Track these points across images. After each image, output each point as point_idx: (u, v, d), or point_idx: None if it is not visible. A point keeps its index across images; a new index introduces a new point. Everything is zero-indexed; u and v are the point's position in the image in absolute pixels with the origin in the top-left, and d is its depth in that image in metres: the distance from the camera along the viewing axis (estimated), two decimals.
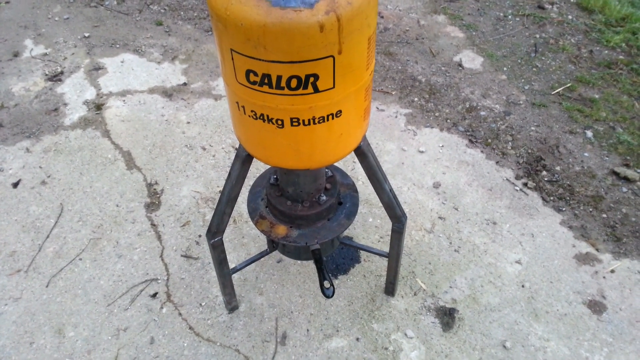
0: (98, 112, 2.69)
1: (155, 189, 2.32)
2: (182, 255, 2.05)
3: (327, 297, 1.50)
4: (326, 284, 1.51)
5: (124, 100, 2.76)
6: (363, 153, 1.40)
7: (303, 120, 1.12)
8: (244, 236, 2.12)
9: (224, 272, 1.70)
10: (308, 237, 1.55)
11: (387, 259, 1.77)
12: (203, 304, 1.89)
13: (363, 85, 1.15)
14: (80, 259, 2.04)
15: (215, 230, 1.55)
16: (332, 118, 1.15)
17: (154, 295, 1.92)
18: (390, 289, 1.88)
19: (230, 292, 1.79)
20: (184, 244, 2.09)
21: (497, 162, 2.50)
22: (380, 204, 2.10)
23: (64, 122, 2.63)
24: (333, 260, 2.03)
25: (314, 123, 1.13)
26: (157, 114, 2.70)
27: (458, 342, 1.79)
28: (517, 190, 2.36)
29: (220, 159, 2.46)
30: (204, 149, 2.51)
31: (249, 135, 1.26)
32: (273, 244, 1.79)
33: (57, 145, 2.51)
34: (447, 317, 1.85)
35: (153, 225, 2.17)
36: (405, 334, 1.80)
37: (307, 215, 1.54)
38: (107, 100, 2.76)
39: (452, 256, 2.05)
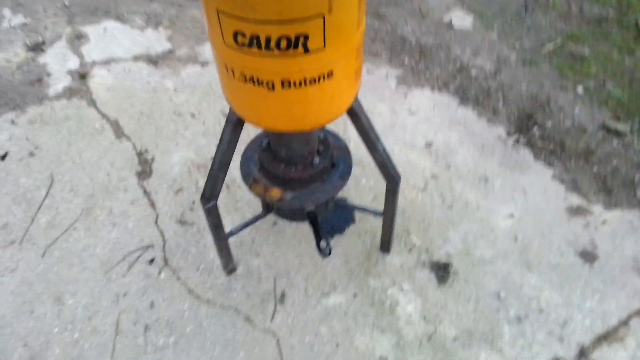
0: (82, 81, 2.64)
1: (145, 157, 2.30)
2: (177, 222, 2.05)
3: (325, 256, 1.51)
4: (322, 243, 1.52)
5: (108, 69, 2.70)
6: (355, 114, 1.39)
7: (294, 82, 1.10)
8: (237, 201, 2.12)
9: (220, 237, 1.70)
10: (302, 200, 1.55)
11: (381, 217, 1.78)
12: (201, 267, 1.90)
13: (354, 44, 1.13)
14: (74, 229, 2.03)
15: (209, 196, 1.54)
16: (324, 79, 1.13)
17: (151, 261, 1.92)
18: (385, 247, 1.90)
19: (227, 255, 1.80)
20: (178, 210, 2.09)
21: (488, 120, 2.50)
22: (374, 165, 2.10)
23: (49, 93, 2.57)
24: (328, 222, 2.04)
25: (305, 85, 1.12)
26: (142, 82, 2.64)
27: (453, 294, 1.82)
28: (508, 147, 2.37)
29: (210, 126, 2.43)
30: (193, 116, 2.48)
31: (240, 99, 1.24)
32: (267, 207, 1.79)
33: (43, 116, 2.46)
34: (441, 271, 1.88)
35: (146, 193, 2.16)
36: (402, 288, 1.82)
37: (300, 177, 1.54)
38: (92, 69, 2.70)
39: (445, 213, 2.07)
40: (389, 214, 1.74)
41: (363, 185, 2.18)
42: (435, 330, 1.74)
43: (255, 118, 1.26)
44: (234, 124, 1.39)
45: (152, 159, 2.29)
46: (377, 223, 2.02)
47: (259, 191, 1.58)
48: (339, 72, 1.15)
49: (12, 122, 2.43)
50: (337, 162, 1.64)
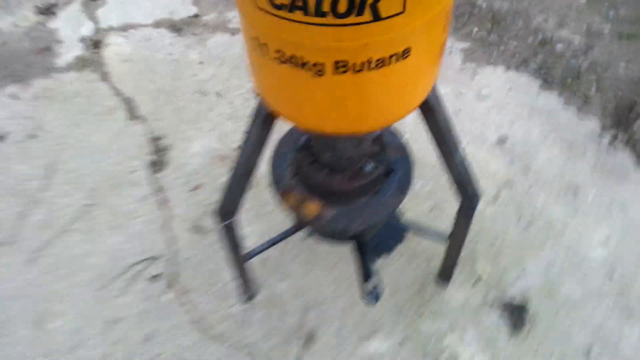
0: (96, 50, 2.30)
1: (161, 145, 1.95)
2: (191, 228, 1.71)
3: (370, 302, 1.14)
4: (369, 285, 1.14)
5: (125, 36, 2.35)
6: (431, 109, 0.97)
7: (353, 65, 0.71)
8: (265, 204, 1.75)
9: (238, 259, 1.35)
10: (348, 219, 1.17)
11: (446, 242, 1.37)
12: (213, 290, 1.57)
13: (444, 8, 0.71)
14: (70, 230, 1.73)
15: (226, 211, 1.18)
16: (396, 60, 0.72)
17: (155, 278, 1.60)
18: (444, 277, 1.50)
19: (246, 280, 1.45)
20: (194, 213, 1.75)
21: (578, 110, 2.00)
22: (432, 161, 1.68)
23: (57, 63, 2.25)
24: (374, 237, 1.64)
25: (370, 68, 0.71)
26: (164, 52, 2.28)
27: (529, 348, 1.41)
28: (603, 146, 1.88)
29: (238, 107, 2.05)
30: (220, 95, 2.10)
31: (273, 87, 0.85)
32: (300, 222, 1.41)
33: (49, 90, 2.15)
34: (515, 314, 1.47)
35: (157, 188, 1.82)
36: (462, 338, 1.43)
37: (347, 189, 1.15)
38: (107, 36, 2.35)
39: (521, 234, 1.63)
40: (457, 240, 1.33)
41: (418, 190, 1.76)
42: None
43: (293, 114, 0.87)
44: (264, 121, 1.00)
45: (169, 147, 1.94)
46: (432, 243, 1.61)
47: (292, 204, 1.21)
48: (419, 50, 0.73)
49: (15, 96, 2.13)
50: (395, 167, 1.24)
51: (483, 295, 1.50)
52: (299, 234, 1.66)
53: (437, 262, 1.57)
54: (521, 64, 2.14)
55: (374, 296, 1.12)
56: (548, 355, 1.40)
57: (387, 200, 1.19)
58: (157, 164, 1.89)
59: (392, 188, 1.21)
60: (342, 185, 1.15)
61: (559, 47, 2.23)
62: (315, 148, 1.17)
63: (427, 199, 1.73)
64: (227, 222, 1.20)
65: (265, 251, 1.61)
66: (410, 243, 1.63)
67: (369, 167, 1.15)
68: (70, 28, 2.39)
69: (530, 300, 1.49)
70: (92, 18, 2.44)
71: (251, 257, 1.39)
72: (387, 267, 1.58)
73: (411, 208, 1.71)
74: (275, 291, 1.55)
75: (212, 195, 1.80)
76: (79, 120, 2.04)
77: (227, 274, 1.58)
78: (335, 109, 0.80)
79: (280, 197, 1.22)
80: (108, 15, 2.44)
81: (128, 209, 1.77)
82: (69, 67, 2.23)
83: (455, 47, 2.24)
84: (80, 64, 2.25)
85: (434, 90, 0.94)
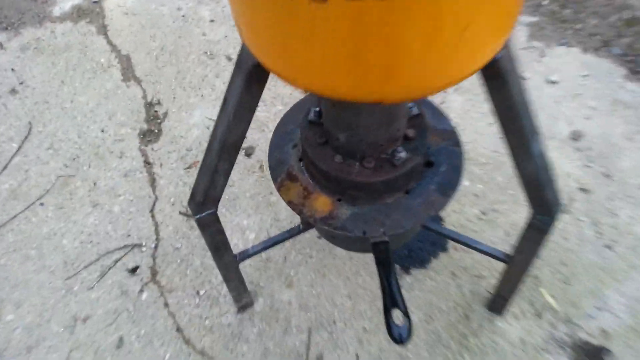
0: (96, 0, 1.99)
1: (156, 112, 1.64)
2: (180, 213, 1.39)
3: (397, 341, 0.79)
4: (396, 314, 0.80)
5: None
6: (501, 75, 0.64)
7: None
8: (272, 191, 1.43)
9: (225, 261, 1.03)
10: (368, 222, 0.84)
11: (505, 261, 1.01)
12: (202, 291, 1.25)
13: None
14: (42, 204, 1.43)
15: (203, 199, 0.86)
16: None
17: (134, 270, 1.29)
18: (498, 305, 1.15)
19: (238, 286, 1.13)
20: (186, 194, 1.43)
21: None
22: (486, 157, 1.33)
23: (52, 12, 1.96)
24: (404, 244, 1.30)
25: None
26: (172, 6, 1.96)
27: None
28: None
29: None
30: (230, 59, 1.78)
31: (260, 24, 0.52)
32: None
33: (39, 41, 1.86)
34: (592, 359, 1.11)
35: (147, 163, 1.51)
36: None
37: (369, 183, 0.82)
38: None
39: (601, 255, 1.27)
40: (521, 262, 0.98)
41: (465, 190, 1.40)
42: None
43: (286, 66, 0.54)
44: (248, 76, 0.69)
45: (165, 115, 1.63)
46: (483, 256, 1.26)
47: (293, 198, 0.88)
48: None
49: (0, 46, 1.85)
50: (437, 159, 0.90)
51: (549, 331, 1.14)
52: (311, 232, 1.33)
53: (488, 282, 1.22)
54: (602, 47, 1.75)
55: (405, 333, 0.78)
56: None
57: (423, 202, 0.85)
58: (150, 134, 1.58)
59: (432, 187, 0.87)
60: (363, 177, 0.81)
61: None
62: (327, 125, 0.83)
63: (476, 202, 1.38)
64: (204, 214, 0.87)
65: (269, 251, 1.29)
66: (454, 253, 1.28)
67: (401, 155, 0.82)
68: None
69: (612, 341, 1.13)
70: None
71: (243, 260, 1.07)
72: (421, 283, 1.23)
73: (455, 212, 1.36)
74: (277, 301, 1.22)
75: None
76: (66, 77, 1.74)
77: (219, 273, 1.26)
78: (349, 59, 0.47)
79: (278, 187, 0.89)
80: None
81: (110, 184, 1.47)
82: (64, 17, 1.94)
83: (520, 21, 1.86)
84: (77, 14, 1.95)
85: (507, 48, 0.60)
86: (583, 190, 1.38)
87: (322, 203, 0.87)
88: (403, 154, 0.82)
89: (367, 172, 0.82)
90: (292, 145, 0.95)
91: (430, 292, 1.21)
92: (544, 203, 0.81)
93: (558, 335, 1.14)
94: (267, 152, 0.94)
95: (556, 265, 1.25)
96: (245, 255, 1.07)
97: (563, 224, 1.31)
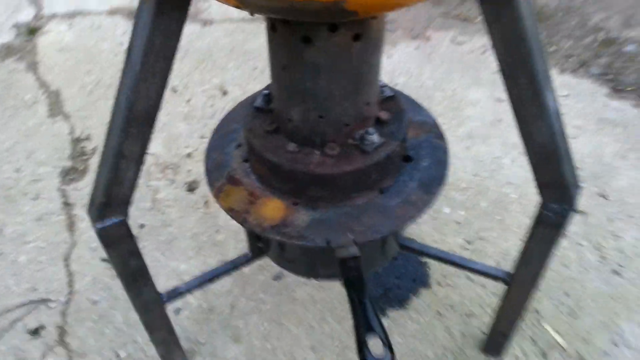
0: (29, 38, 1.82)
1: (83, 148, 1.42)
2: (103, 260, 1.13)
3: None
4: (372, 342, 0.56)
5: (70, 24, 1.88)
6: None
7: None
8: (219, 229, 1.20)
9: (145, 299, 0.78)
10: (333, 229, 0.63)
11: (503, 284, 0.80)
12: (123, 354, 0.97)
13: None
14: None
15: (105, 200, 0.63)
16: None
17: (36, 331, 1.01)
18: (496, 344, 0.91)
19: (166, 339, 0.86)
20: None
21: None
22: (466, 182, 1.16)
23: None
24: (378, 280, 1.07)
25: None
26: (113, 42, 1.80)
27: None
28: None
29: (197, 107, 1.55)
30: (175, 91, 1.60)
31: None
32: (259, 243, 0.86)
33: None
34: None
35: (66, 204, 1.27)
36: None
37: (333, 175, 0.62)
38: (47, 24, 1.89)
39: (609, 282, 1.07)
40: (528, 276, 0.76)
41: (445, 216, 1.21)
42: None
43: None
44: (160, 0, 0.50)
45: (94, 151, 1.41)
46: (474, 291, 1.04)
47: (235, 205, 0.67)
48: None
49: None
50: (417, 153, 0.71)
51: None
52: (266, 271, 1.09)
53: (481, 320, 0.99)
54: (579, 68, 1.66)
55: None
56: None
57: (402, 202, 0.66)
58: (73, 172, 1.35)
59: (412, 184, 0.68)
60: (324, 169, 0.62)
61: (630, 48, 1.76)
62: (277, 107, 0.65)
63: (459, 230, 1.18)
64: (107, 224, 0.64)
65: (212, 293, 1.04)
66: (438, 291, 1.05)
67: (373, 138, 0.63)
68: (5, 12, 1.94)
69: None
70: (36, 3, 1.98)
71: (172, 300, 0.82)
72: (402, 326, 0.99)
73: (436, 241, 1.15)
74: None
75: (143, 215, 1.24)
76: None
77: (145, 333, 0.99)
78: None
79: (216, 194, 0.68)
80: (55, 1, 1.99)
81: (19, 230, 1.21)
82: None
83: (490, 46, 1.78)
84: (5, 52, 1.77)
85: None
86: (579, 212, 1.20)
87: (272, 208, 0.66)
88: (375, 137, 0.63)
89: (330, 162, 0.62)
90: (236, 145, 0.75)
91: (412, 336, 0.97)
92: (559, 184, 0.61)
93: None
94: (205, 157, 0.73)
95: (559, 296, 1.04)
96: (175, 293, 0.82)
97: (562, 250, 1.11)
